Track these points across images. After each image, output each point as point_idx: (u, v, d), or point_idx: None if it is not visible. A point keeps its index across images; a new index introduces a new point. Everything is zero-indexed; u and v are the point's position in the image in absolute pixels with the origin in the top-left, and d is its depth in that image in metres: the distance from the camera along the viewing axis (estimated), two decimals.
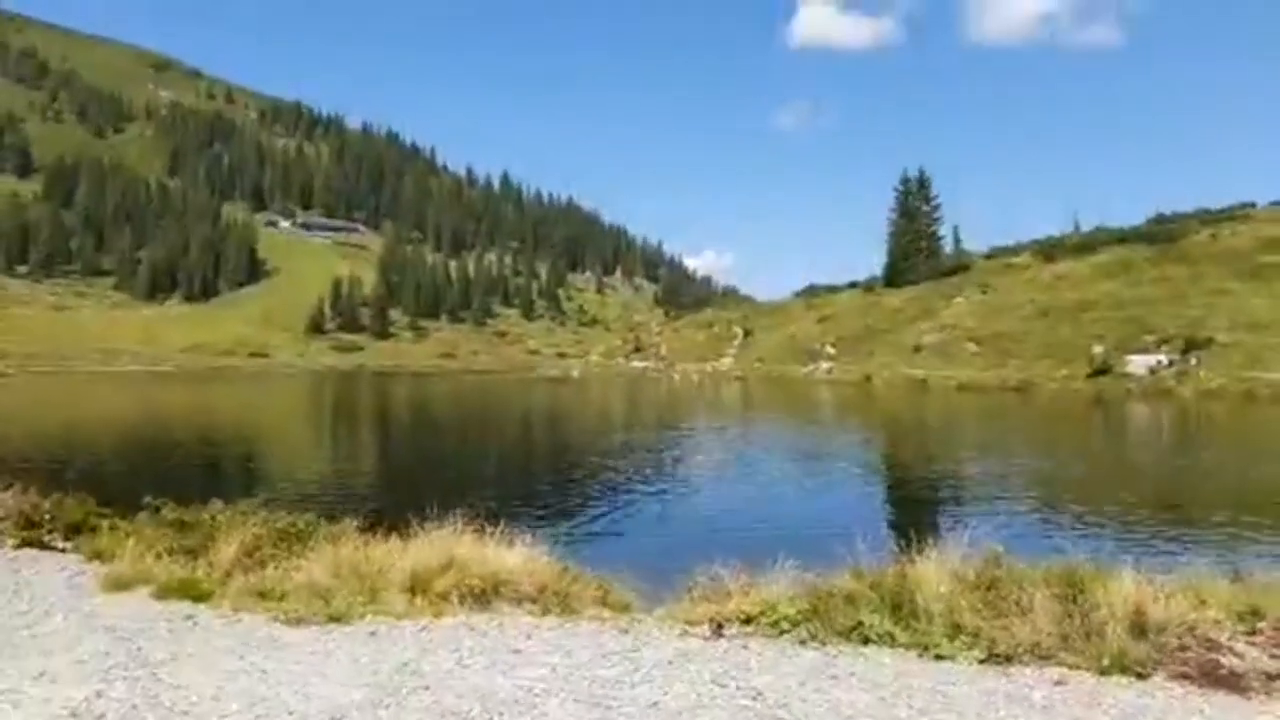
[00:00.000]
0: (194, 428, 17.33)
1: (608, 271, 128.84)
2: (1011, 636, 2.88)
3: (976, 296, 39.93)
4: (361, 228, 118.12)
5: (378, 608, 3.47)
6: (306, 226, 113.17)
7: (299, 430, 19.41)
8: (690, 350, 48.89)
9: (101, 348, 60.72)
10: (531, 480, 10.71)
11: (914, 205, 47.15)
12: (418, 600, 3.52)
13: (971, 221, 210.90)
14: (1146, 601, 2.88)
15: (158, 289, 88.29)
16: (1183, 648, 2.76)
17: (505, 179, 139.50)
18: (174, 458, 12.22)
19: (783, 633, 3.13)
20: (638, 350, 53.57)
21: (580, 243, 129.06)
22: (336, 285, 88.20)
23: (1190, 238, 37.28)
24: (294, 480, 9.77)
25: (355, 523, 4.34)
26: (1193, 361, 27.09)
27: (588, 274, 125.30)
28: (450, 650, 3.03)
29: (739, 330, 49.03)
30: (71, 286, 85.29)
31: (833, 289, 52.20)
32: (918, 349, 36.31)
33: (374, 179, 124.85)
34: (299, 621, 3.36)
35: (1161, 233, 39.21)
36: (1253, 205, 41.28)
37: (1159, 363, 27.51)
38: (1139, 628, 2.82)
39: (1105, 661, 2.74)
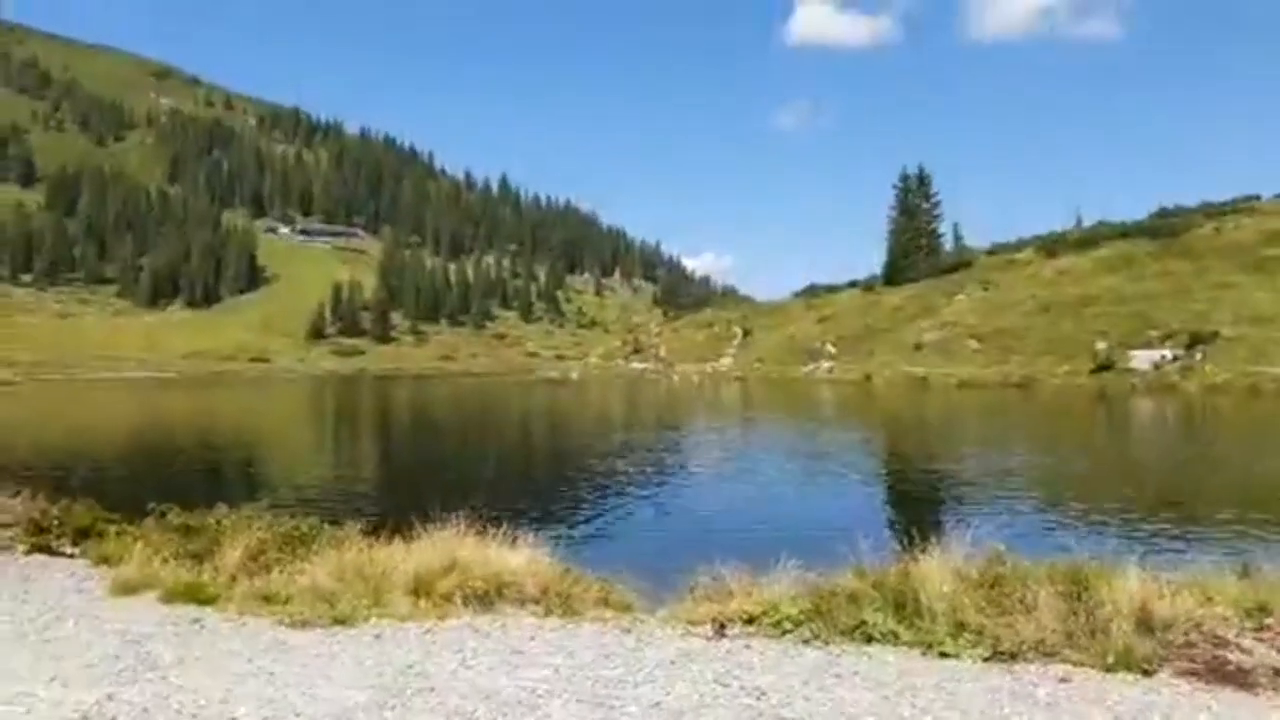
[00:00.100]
0: (197, 433, 17.40)
1: (606, 273, 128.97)
2: (1016, 634, 2.87)
3: (978, 293, 39.83)
4: (361, 232, 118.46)
5: (382, 610, 3.49)
6: (306, 232, 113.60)
7: (301, 435, 19.47)
8: (689, 351, 48.85)
9: (105, 355, 61.01)
10: (532, 482, 10.72)
11: (914, 203, 47.07)
12: (421, 602, 3.53)
13: (973, 218, 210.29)
14: (1152, 598, 2.87)
15: (160, 296, 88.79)
16: (1189, 644, 2.75)
17: (503, 182, 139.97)
18: (178, 463, 12.27)
19: (785, 632, 3.13)
20: (637, 351, 53.56)
21: (579, 245, 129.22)
22: (337, 290, 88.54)
23: (1194, 231, 37.12)
24: (297, 485, 9.80)
25: (358, 526, 4.35)
26: (1197, 356, 26.97)
27: (586, 276, 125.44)
28: (454, 651, 3.04)
29: (738, 330, 48.99)
30: (75, 294, 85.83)
31: (832, 288, 52.12)
32: (918, 347, 36.23)
33: (373, 184, 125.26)
34: (304, 624, 3.38)
35: (1164, 226, 39.07)
36: (1257, 197, 41.04)
37: (1163, 358, 27.40)
38: (1145, 624, 2.81)
39: (1111, 659, 2.73)
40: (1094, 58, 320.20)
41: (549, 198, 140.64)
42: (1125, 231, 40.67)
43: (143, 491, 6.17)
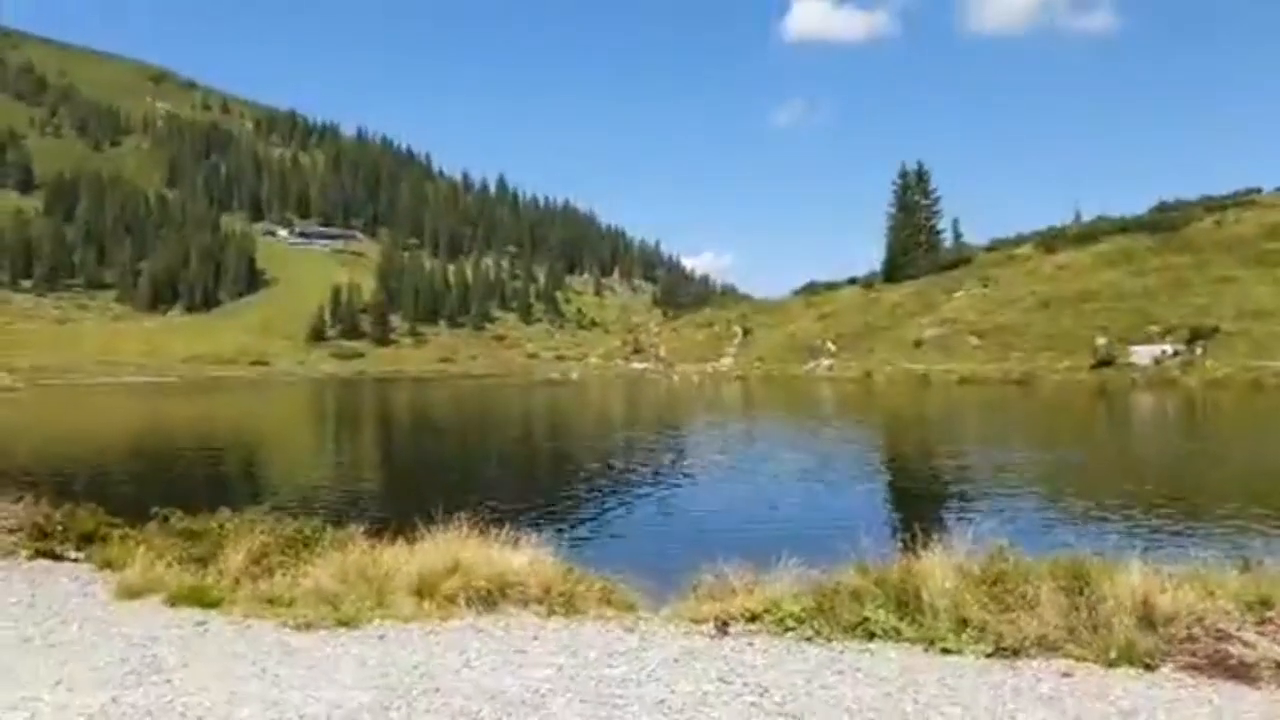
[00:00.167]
0: (198, 437, 17.39)
1: (606, 273, 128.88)
2: (1018, 630, 2.88)
3: (977, 289, 39.81)
4: (359, 235, 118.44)
5: (385, 611, 3.50)
6: (305, 235, 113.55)
7: (302, 437, 19.48)
8: (690, 350, 48.84)
9: (105, 360, 61.05)
10: (534, 482, 10.73)
11: (913, 199, 47.02)
12: (425, 603, 3.54)
13: (972, 214, 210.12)
14: (1154, 593, 2.88)
15: (159, 300, 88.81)
16: (1191, 638, 2.75)
17: (501, 182, 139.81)
18: (180, 467, 12.28)
19: (788, 630, 3.14)
20: (637, 351, 53.53)
21: (577, 245, 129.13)
22: (336, 293, 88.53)
23: (1194, 225, 37.03)
24: (299, 487, 9.81)
25: (361, 528, 4.35)
26: (1198, 351, 26.96)
27: (585, 276, 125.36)
28: (458, 652, 3.05)
29: (738, 329, 48.96)
30: (74, 299, 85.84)
31: (832, 286, 52.07)
32: (919, 344, 36.22)
33: (370, 186, 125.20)
34: (308, 626, 3.39)
35: (1164, 221, 38.98)
36: (1258, 191, 40.92)
37: (1163, 353, 27.37)
38: (1147, 619, 2.82)
39: (1113, 653, 2.74)
40: (1092, 51, 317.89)
41: (547, 198, 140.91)
42: (1125, 226, 40.61)
43: (145, 496, 6.19)
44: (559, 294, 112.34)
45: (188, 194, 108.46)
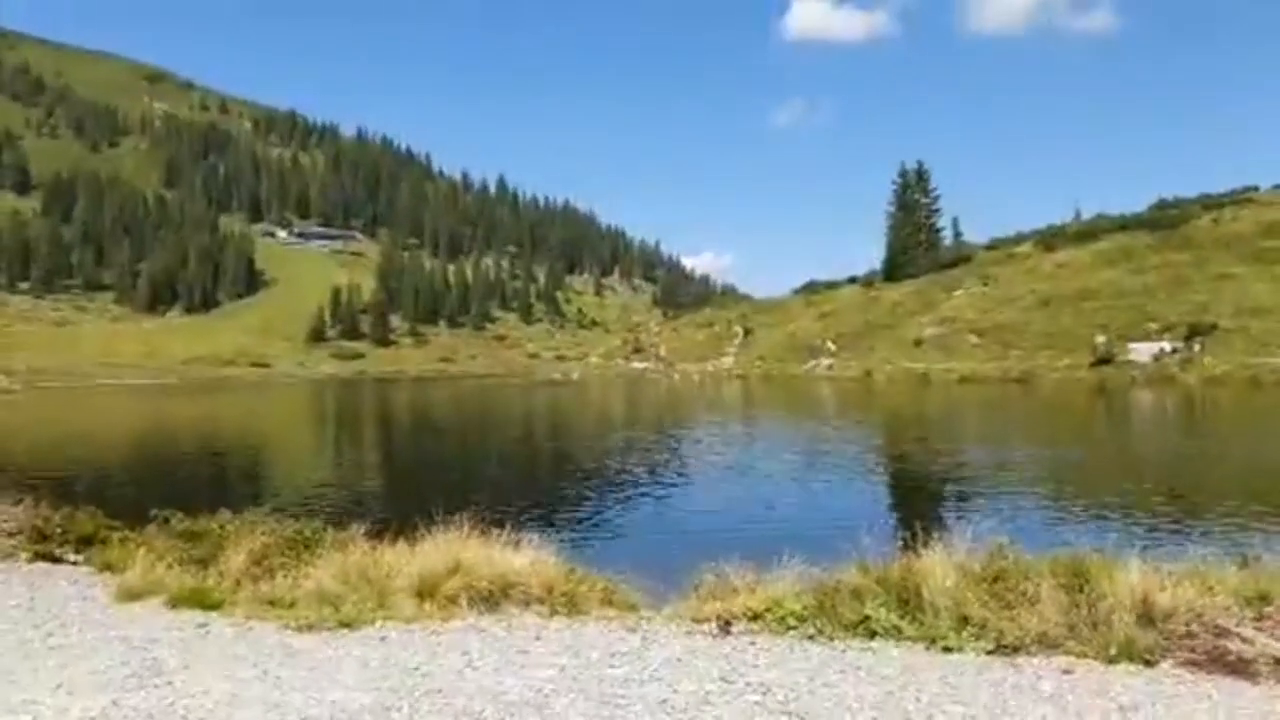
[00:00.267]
0: (198, 438, 17.41)
1: (606, 273, 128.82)
2: (1019, 627, 2.89)
3: (977, 288, 39.87)
4: (359, 235, 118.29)
5: (387, 612, 3.50)
6: (304, 236, 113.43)
7: (302, 438, 19.46)
8: (690, 350, 48.86)
9: (104, 361, 60.96)
10: (535, 482, 10.73)
11: (912, 198, 47.07)
12: (426, 604, 3.54)
13: (972, 213, 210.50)
14: (1153, 589, 2.88)
15: (158, 301, 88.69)
16: (1190, 635, 2.76)
17: (501, 182, 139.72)
18: (180, 469, 12.27)
19: (790, 628, 3.14)
20: (637, 351, 53.56)
21: (578, 245, 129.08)
22: (336, 293, 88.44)
23: (1192, 223, 37.17)
24: (299, 488, 9.80)
25: (362, 529, 4.35)
26: (1196, 348, 27.01)
27: (586, 276, 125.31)
28: (460, 653, 3.05)
29: (739, 329, 49.00)
30: (73, 301, 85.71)
31: (832, 285, 52.18)
32: (919, 343, 36.26)
33: (370, 186, 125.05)
34: (309, 628, 3.39)
35: (1163, 219, 39.11)
36: (1255, 189, 41.10)
37: (1162, 350, 27.43)
38: (1146, 616, 2.82)
39: (1113, 650, 2.74)
40: (1092, 51, 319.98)
41: (547, 198, 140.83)
42: (1124, 224, 40.76)
43: (145, 498, 6.18)
44: (559, 294, 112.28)
45: (186, 194, 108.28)
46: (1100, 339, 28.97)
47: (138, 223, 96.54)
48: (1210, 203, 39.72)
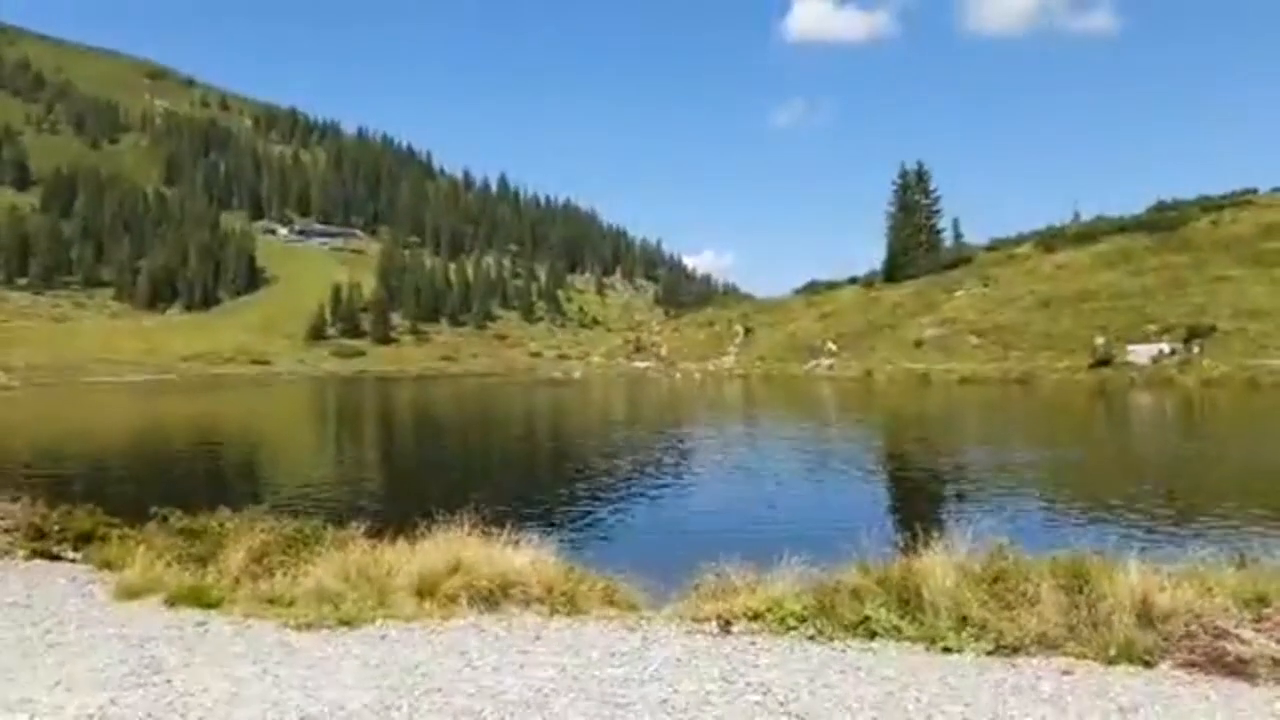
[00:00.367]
0: (198, 436, 17.37)
1: (607, 272, 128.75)
2: (1018, 628, 2.89)
3: (977, 289, 39.88)
4: (359, 233, 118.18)
5: (387, 611, 3.49)
6: (304, 233, 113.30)
7: (303, 436, 19.44)
8: (691, 349, 48.87)
9: (103, 358, 60.90)
10: (535, 481, 10.73)
11: (913, 199, 47.05)
12: (426, 603, 3.54)
13: (972, 214, 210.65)
14: (1153, 590, 2.89)
15: (158, 298, 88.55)
16: (1189, 636, 2.77)
17: (503, 181, 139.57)
18: (179, 466, 12.26)
19: (790, 629, 3.15)
20: (638, 350, 53.55)
21: (579, 244, 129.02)
22: (336, 291, 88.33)
23: (1191, 225, 37.15)
24: (299, 486, 9.79)
25: (362, 527, 4.34)
26: (1195, 350, 27.04)
27: (587, 275, 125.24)
28: (460, 652, 3.05)
29: (740, 328, 48.99)
30: (72, 297, 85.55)
31: (833, 285, 52.11)
32: (919, 343, 36.28)
33: (371, 184, 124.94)
34: (309, 626, 3.38)
35: (1162, 221, 39.09)
36: (1254, 191, 41.06)
37: (1161, 352, 27.45)
38: (1145, 617, 2.83)
39: (1112, 651, 2.75)
40: (1091, 52, 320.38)
41: (549, 196, 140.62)
42: (1123, 226, 40.69)
43: (144, 495, 6.17)
44: (561, 293, 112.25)
45: (186, 191, 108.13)
46: (1099, 340, 29.00)
47: (138, 219, 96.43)
48: (1209, 205, 39.70)
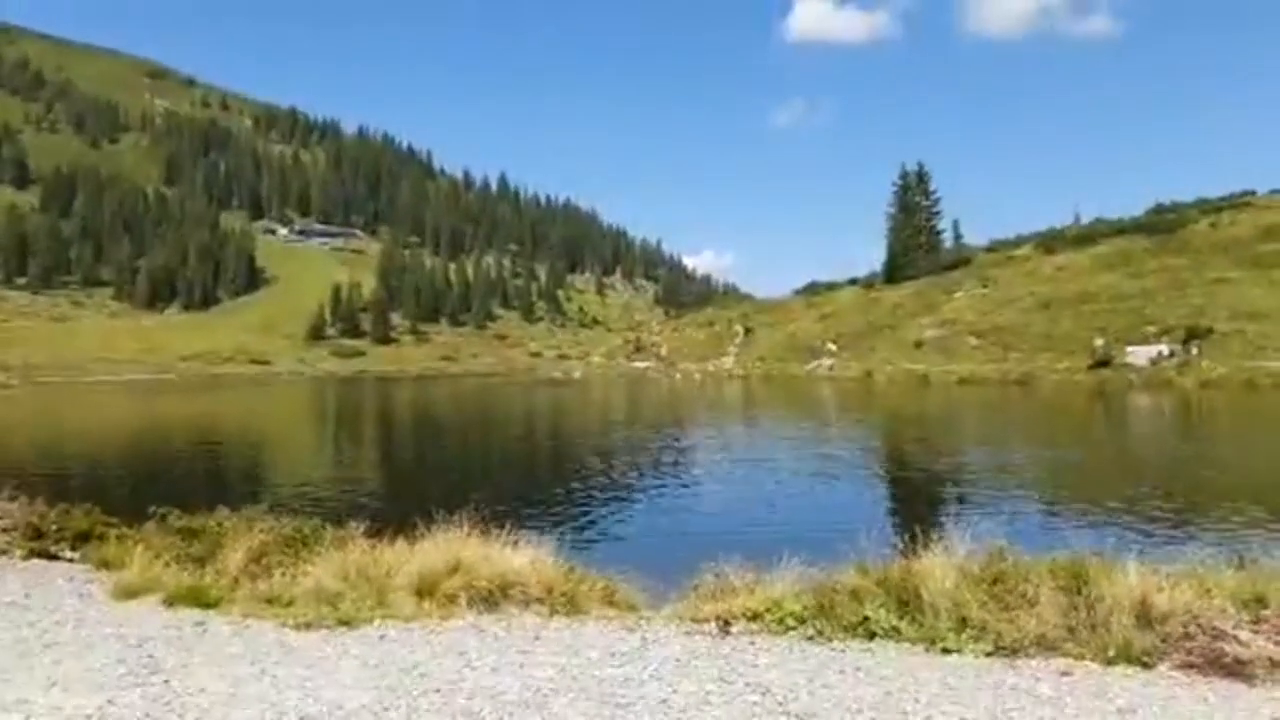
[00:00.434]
0: (197, 436, 17.35)
1: (607, 272, 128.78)
2: (1018, 629, 2.90)
3: (977, 290, 39.93)
4: (359, 233, 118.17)
5: (386, 611, 3.49)
6: (304, 233, 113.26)
7: (302, 436, 19.45)
8: (691, 350, 48.89)
9: (102, 357, 60.84)
10: (535, 482, 10.73)
11: (913, 200, 47.10)
12: (426, 603, 3.54)
13: (972, 214, 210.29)
14: (1151, 592, 2.89)
15: (157, 298, 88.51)
16: (1188, 637, 2.77)
17: (503, 180, 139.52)
18: (178, 466, 12.25)
19: (789, 629, 3.15)
20: (638, 350, 53.56)
21: (579, 243, 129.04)
22: (336, 291, 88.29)
23: (1190, 227, 37.26)
24: (298, 486, 9.79)
25: (361, 527, 4.33)
26: (1194, 351, 27.09)
27: (587, 275, 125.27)
28: (459, 652, 3.05)
29: (740, 329, 49.02)
30: (71, 297, 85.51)
31: (833, 286, 52.17)
32: (919, 344, 36.32)
33: (371, 184, 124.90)
34: (308, 626, 3.38)
35: (1161, 223, 39.18)
36: (1253, 193, 41.13)
37: (1160, 353, 27.50)
38: (1144, 618, 2.83)
39: (1111, 652, 2.75)
40: (1092, 55, 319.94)
41: (549, 196, 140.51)
42: (1123, 228, 40.80)
43: (143, 495, 6.17)
44: (561, 293, 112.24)
45: (186, 191, 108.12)
46: (1099, 342, 29.05)
47: (137, 219, 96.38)
48: (1207, 207, 39.77)
